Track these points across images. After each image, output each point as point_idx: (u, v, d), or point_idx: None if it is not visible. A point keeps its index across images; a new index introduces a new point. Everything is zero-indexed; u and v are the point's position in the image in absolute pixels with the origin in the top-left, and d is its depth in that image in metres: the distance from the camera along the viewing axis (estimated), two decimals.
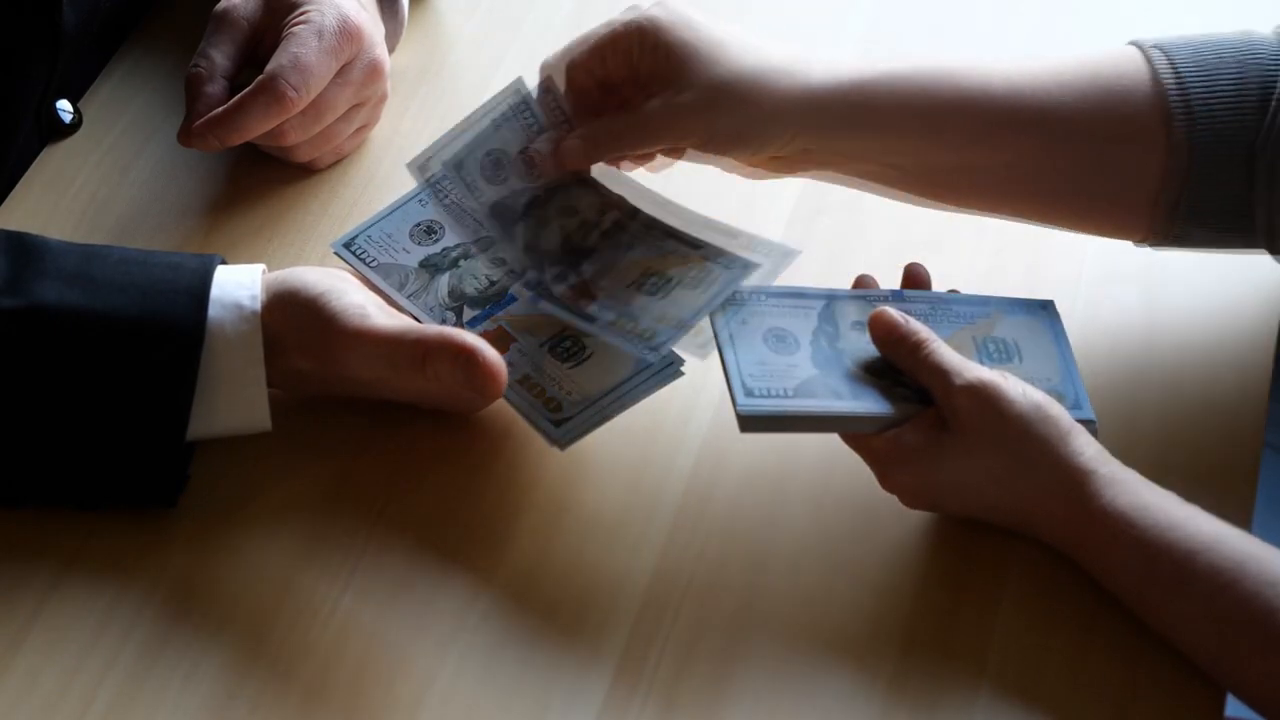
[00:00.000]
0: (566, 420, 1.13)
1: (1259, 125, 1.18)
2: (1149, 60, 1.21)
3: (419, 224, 1.22)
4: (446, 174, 1.19)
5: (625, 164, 1.23)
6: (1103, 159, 1.20)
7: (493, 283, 1.19)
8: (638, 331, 1.14)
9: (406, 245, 1.21)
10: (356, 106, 1.33)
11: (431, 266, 1.20)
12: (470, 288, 1.19)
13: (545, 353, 1.16)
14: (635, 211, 1.20)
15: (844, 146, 1.21)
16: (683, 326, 1.14)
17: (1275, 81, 1.19)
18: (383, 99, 1.35)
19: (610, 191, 1.21)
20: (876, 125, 1.19)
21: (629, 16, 1.19)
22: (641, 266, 1.17)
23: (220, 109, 1.27)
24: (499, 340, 1.16)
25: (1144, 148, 1.19)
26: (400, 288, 1.19)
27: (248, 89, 1.27)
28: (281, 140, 1.29)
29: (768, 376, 1.14)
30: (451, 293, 1.19)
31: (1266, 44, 1.21)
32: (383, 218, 1.22)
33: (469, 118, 1.21)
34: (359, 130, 1.35)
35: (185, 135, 1.28)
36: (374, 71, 1.32)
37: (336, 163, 1.35)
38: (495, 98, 1.21)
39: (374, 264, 1.20)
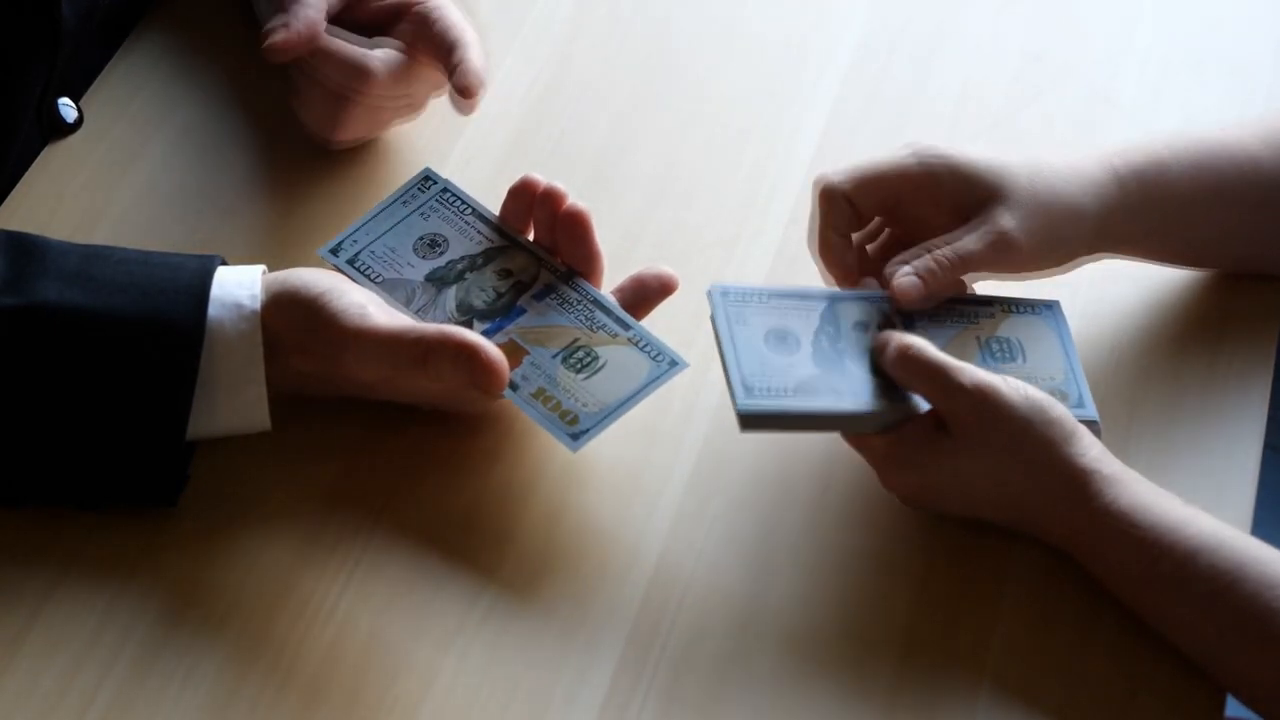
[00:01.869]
0: (585, 434, 1.13)
1: None
2: None
3: (422, 237, 1.21)
4: (373, 257, 1.20)
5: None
6: None
7: (500, 295, 1.19)
8: (560, 411, 1.14)
9: (411, 260, 1.20)
10: (409, 102, 1.32)
11: (438, 280, 1.20)
12: (478, 300, 1.19)
13: (558, 364, 1.16)
14: (570, 275, 1.20)
15: (1140, 230, 1.23)
16: (607, 416, 1.14)
17: None
18: (421, 109, 1.34)
19: (545, 254, 1.20)
20: (1173, 204, 1.22)
21: (915, 156, 1.20)
22: (570, 335, 1.17)
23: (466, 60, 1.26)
24: (511, 353, 1.15)
25: None
26: (408, 303, 1.18)
27: (463, 63, 1.26)
28: (364, 93, 1.28)
29: (768, 375, 1.14)
30: (459, 306, 1.19)
31: None
32: (366, 222, 1.22)
33: (383, 207, 1.22)
34: (386, 124, 1.34)
35: (282, 48, 1.26)
36: (440, 85, 1.31)
37: (338, 155, 1.34)
38: (406, 188, 1.22)
39: (379, 279, 1.19)
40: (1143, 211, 1.22)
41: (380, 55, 1.28)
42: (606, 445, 1.16)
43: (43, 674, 1.09)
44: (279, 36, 1.26)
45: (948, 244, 1.18)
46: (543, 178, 1.20)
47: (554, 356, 1.16)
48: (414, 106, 1.33)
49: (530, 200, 1.21)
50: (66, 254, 1.16)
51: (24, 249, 1.16)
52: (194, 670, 1.10)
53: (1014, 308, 1.21)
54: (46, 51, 1.32)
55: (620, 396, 1.14)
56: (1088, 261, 1.24)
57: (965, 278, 1.21)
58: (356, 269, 1.19)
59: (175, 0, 1.44)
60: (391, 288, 1.19)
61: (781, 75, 1.43)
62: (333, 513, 1.17)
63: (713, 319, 1.17)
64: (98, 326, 1.13)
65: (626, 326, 1.17)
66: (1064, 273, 1.24)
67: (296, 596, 1.13)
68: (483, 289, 1.19)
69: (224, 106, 1.37)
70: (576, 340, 1.17)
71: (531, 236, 1.22)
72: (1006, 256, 1.19)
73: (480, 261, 1.20)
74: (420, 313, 1.18)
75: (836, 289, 1.21)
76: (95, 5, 1.35)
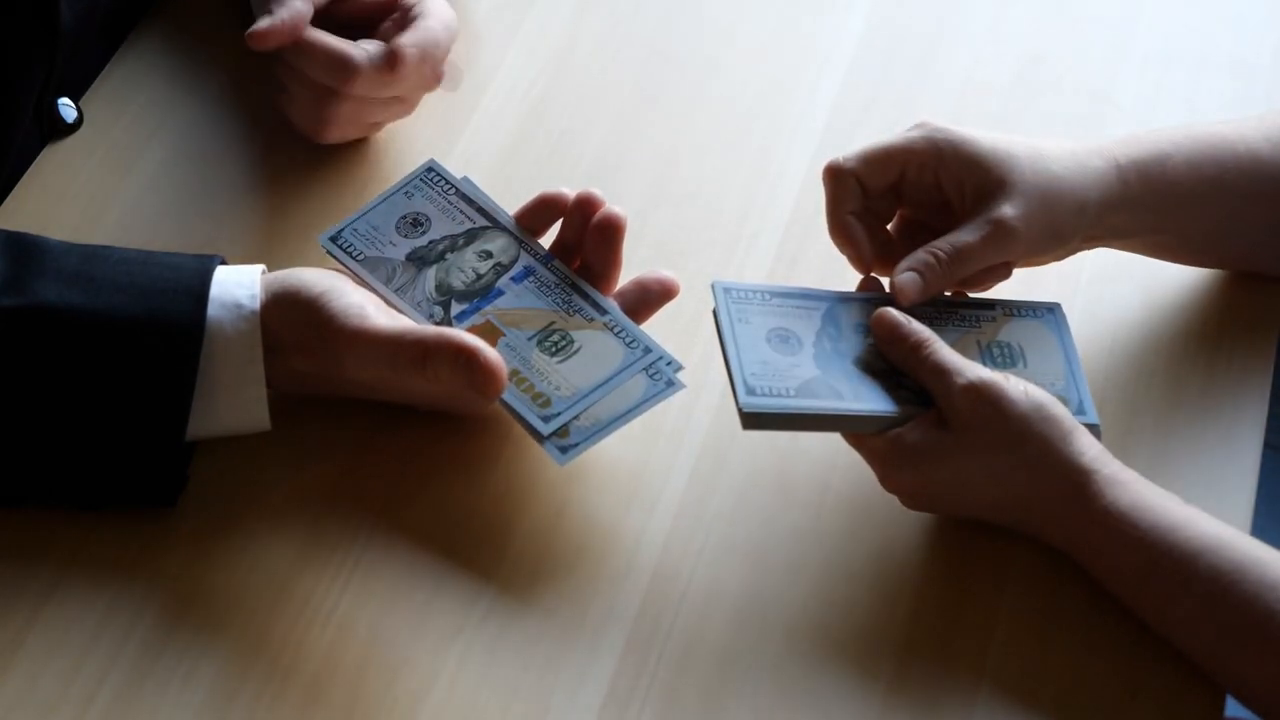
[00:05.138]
0: (556, 416, 1.13)
1: None
2: None
3: (405, 216, 1.22)
4: (356, 235, 1.20)
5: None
6: None
7: (479, 276, 1.20)
8: (533, 393, 1.14)
9: (393, 238, 1.21)
10: (397, 100, 1.32)
11: (418, 260, 1.20)
12: (457, 281, 1.19)
13: (534, 347, 1.16)
14: (549, 258, 1.20)
15: (1139, 224, 1.23)
16: (579, 400, 1.14)
17: None
18: (411, 109, 1.34)
19: (526, 236, 1.21)
20: (1173, 198, 1.22)
21: (923, 132, 1.20)
22: (546, 318, 1.17)
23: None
24: (487, 335, 1.16)
25: None
26: (387, 281, 1.19)
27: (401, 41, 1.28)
28: (348, 85, 1.28)
29: (770, 376, 1.14)
30: (439, 287, 1.19)
31: None
32: (367, 211, 1.22)
33: (377, 196, 1.23)
34: (374, 124, 1.34)
35: (265, 35, 1.27)
36: (435, 80, 1.31)
37: (338, 154, 1.34)
38: (404, 178, 1.23)
39: (360, 257, 1.20)
40: (1142, 205, 1.22)
41: (364, 49, 1.28)
42: (606, 445, 1.16)
43: (43, 674, 1.09)
44: (262, 24, 1.27)
45: (947, 240, 1.19)
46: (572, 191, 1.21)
47: (530, 339, 1.17)
48: (404, 104, 1.33)
49: (556, 209, 1.21)
50: (66, 254, 1.16)
51: (24, 249, 1.16)
52: (194, 670, 1.10)
53: (1015, 311, 1.21)
54: (45, 51, 1.32)
55: (593, 382, 1.15)
56: (1084, 249, 1.24)
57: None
58: (339, 246, 1.20)
59: (175, 0, 1.44)
60: (372, 266, 1.19)
61: (781, 76, 1.43)
62: (333, 513, 1.17)
63: (715, 314, 1.17)
64: (97, 326, 1.13)
65: (603, 311, 1.17)
66: (1059, 260, 1.24)
67: (296, 596, 1.13)
68: (462, 269, 1.20)
69: (224, 106, 1.37)
70: (552, 324, 1.17)
71: (549, 237, 1.22)
72: (1005, 246, 1.19)
73: (461, 242, 1.21)
74: (399, 291, 1.18)
75: (839, 291, 1.20)
76: (95, 5, 1.35)
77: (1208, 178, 1.23)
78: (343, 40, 1.28)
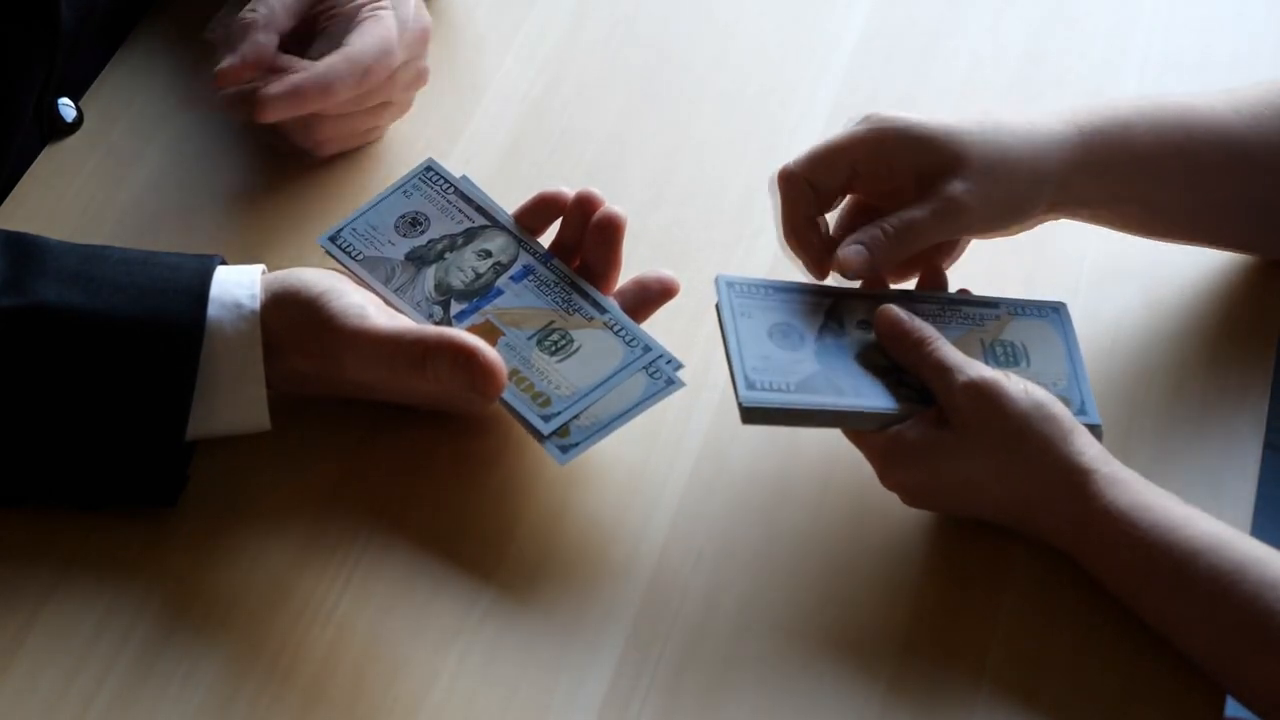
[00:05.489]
0: (556, 415, 1.14)
1: None
2: None
3: (404, 215, 1.22)
4: (355, 235, 1.20)
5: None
6: None
7: (479, 275, 1.20)
8: (533, 392, 1.14)
9: (392, 238, 1.21)
10: (386, 105, 1.32)
11: (417, 259, 1.20)
12: (457, 281, 1.19)
13: (533, 346, 1.17)
14: (548, 257, 1.20)
15: (1103, 191, 1.22)
16: (579, 399, 1.14)
17: None
18: (406, 108, 1.34)
19: (525, 235, 1.21)
20: (1137, 164, 1.21)
21: (867, 123, 1.19)
22: (546, 317, 1.17)
23: (300, 80, 1.26)
24: (486, 334, 1.16)
25: None
26: (386, 281, 1.19)
27: (327, 64, 1.26)
28: (326, 101, 1.28)
29: (771, 370, 1.14)
30: (438, 286, 1.19)
31: None
32: (366, 211, 1.22)
33: (375, 196, 1.22)
34: (371, 129, 1.34)
35: (227, 80, 1.27)
36: (420, 79, 1.32)
37: (339, 155, 1.34)
38: (403, 178, 1.23)
39: (359, 257, 1.20)
40: (1106, 170, 1.21)
41: (330, 64, 1.27)
42: (606, 445, 1.16)
43: (43, 674, 1.09)
44: (225, 63, 1.28)
45: (896, 215, 1.18)
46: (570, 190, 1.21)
47: (529, 338, 1.17)
48: (396, 106, 1.33)
49: (556, 208, 1.21)
50: (66, 254, 1.16)
51: (24, 249, 1.16)
52: (194, 670, 1.10)
53: (1019, 310, 1.21)
54: (45, 51, 1.32)
55: (592, 381, 1.15)
56: (1050, 219, 1.23)
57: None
58: (338, 246, 1.20)
59: (175, 0, 1.44)
60: (372, 266, 1.19)
61: (781, 75, 1.43)
62: (333, 513, 1.17)
63: (718, 308, 1.17)
64: (97, 326, 1.13)
65: (602, 310, 1.18)
66: (1026, 229, 1.23)
67: (296, 596, 1.13)
68: (461, 269, 1.20)
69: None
70: (552, 323, 1.17)
71: (548, 237, 1.22)
72: (954, 222, 1.18)
73: (460, 241, 1.21)
74: (399, 291, 1.18)
75: (843, 286, 1.20)
76: (94, 5, 1.35)
77: (1173, 144, 1.22)
78: (307, 63, 1.28)
